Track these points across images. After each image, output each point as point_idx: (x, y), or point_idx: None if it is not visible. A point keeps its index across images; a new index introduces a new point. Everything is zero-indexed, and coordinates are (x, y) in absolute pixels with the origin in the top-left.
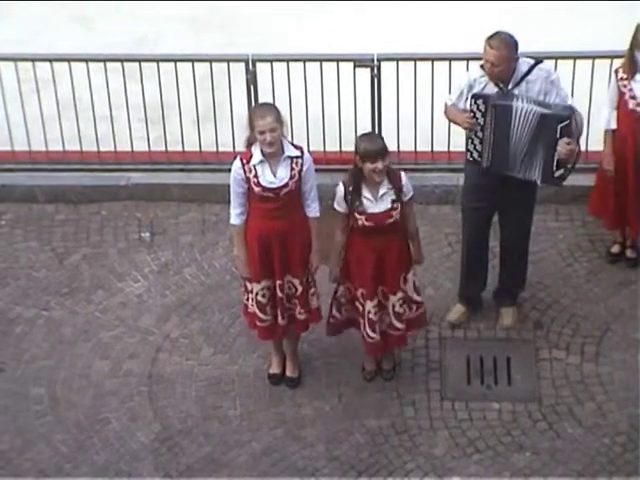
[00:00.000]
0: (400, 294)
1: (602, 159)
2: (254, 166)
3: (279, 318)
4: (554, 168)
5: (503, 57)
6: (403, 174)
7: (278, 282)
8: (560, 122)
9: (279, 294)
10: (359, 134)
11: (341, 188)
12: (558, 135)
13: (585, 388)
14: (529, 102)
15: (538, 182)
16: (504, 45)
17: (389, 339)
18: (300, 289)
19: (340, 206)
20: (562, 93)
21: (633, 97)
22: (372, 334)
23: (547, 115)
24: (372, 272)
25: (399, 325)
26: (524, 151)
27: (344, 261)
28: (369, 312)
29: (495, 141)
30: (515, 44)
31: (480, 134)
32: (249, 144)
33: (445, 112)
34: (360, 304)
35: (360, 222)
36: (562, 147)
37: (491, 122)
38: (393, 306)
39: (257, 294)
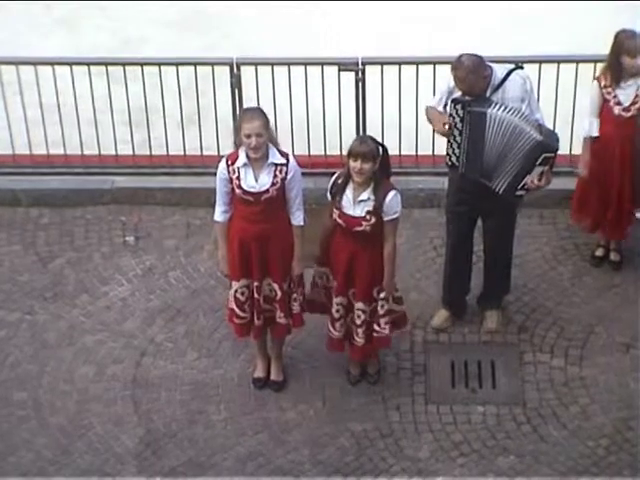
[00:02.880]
0: (362, 305)
1: (579, 163)
2: (238, 168)
3: (255, 319)
4: (518, 187)
5: (469, 85)
6: (393, 193)
7: (255, 284)
8: (547, 151)
9: (256, 295)
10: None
11: (333, 178)
12: (538, 162)
13: (569, 391)
14: (509, 112)
15: (498, 192)
16: (468, 73)
17: (350, 345)
18: (280, 294)
19: (329, 194)
20: (534, 104)
21: (618, 103)
22: (332, 329)
23: (540, 142)
24: (343, 271)
25: (354, 336)
26: (498, 160)
27: (328, 247)
28: (333, 307)
29: (469, 147)
30: (480, 63)
31: (458, 139)
32: (238, 145)
33: (425, 112)
34: (332, 296)
35: (334, 216)
36: (533, 178)
37: (466, 128)
38: (358, 315)
39: (236, 291)
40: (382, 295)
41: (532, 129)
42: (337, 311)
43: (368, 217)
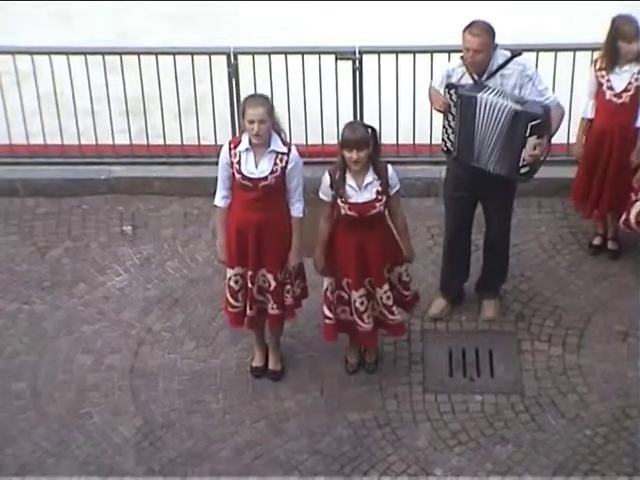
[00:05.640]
0: (386, 286)
1: (575, 144)
2: (239, 152)
3: (247, 308)
4: (520, 164)
5: (485, 43)
6: (390, 167)
7: (250, 273)
8: (531, 120)
9: (249, 285)
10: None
11: (327, 176)
12: (528, 133)
13: (567, 380)
14: (501, 96)
15: (503, 175)
16: (485, 31)
17: (386, 326)
18: (274, 284)
19: (325, 195)
20: (540, 86)
21: (610, 88)
22: (361, 323)
23: (519, 112)
24: (356, 263)
25: (390, 316)
26: (492, 144)
27: (329, 252)
28: (354, 301)
29: (461, 131)
30: (493, 31)
31: (453, 124)
32: (242, 130)
33: (429, 91)
34: (345, 293)
35: (343, 211)
36: (529, 149)
37: (458, 112)
38: (381, 298)
39: (230, 279)
40: (402, 268)
41: (517, 105)
42: (362, 303)
43: (379, 197)
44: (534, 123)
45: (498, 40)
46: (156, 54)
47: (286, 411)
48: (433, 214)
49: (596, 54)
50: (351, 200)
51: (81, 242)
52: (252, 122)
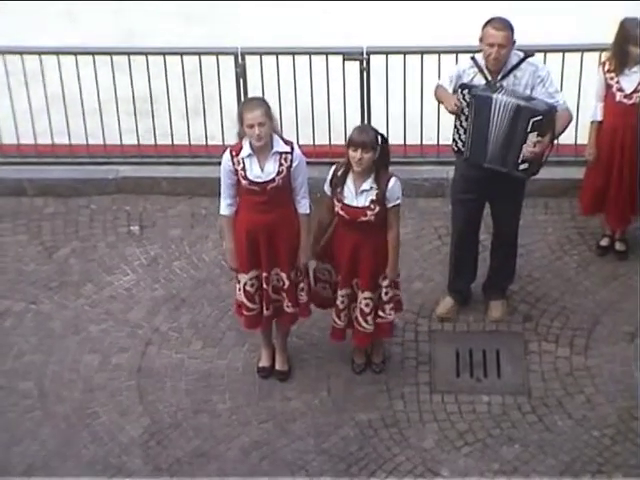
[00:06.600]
0: (370, 294)
1: (586, 148)
2: (242, 159)
3: (264, 309)
4: (519, 160)
5: (508, 37)
6: (394, 180)
7: (264, 274)
8: (533, 116)
9: (264, 286)
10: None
11: (331, 171)
12: (529, 129)
13: (574, 381)
14: (514, 96)
15: (503, 171)
16: (506, 26)
17: (355, 331)
18: (287, 283)
19: (327, 188)
20: (551, 88)
21: (620, 89)
22: (337, 320)
23: (522, 107)
24: (347, 263)
25: (362, 323)
26: (501, 143)
27: (329, 242)
28: (337, 299)
29: (474, 132)
30: (512, 26)
31: (465, 124)
32: (241, 137)
33: (435, 91)
34: (336, 289)
35: (337, 209)
36: (528, 145)
37: (472, 112)
38: (360, 302)
39: (245, 284)
40: (385, 283)
41: (521, 101)
42: (342, 302)
43: (372, 206)
44: (536, 119)
45: None
46: (164, 54)
47: (293, 411)
48: (440, 215)
49: (604, 55)
50: (345, 201)
51: (89, 242)
52: (252, 126)
